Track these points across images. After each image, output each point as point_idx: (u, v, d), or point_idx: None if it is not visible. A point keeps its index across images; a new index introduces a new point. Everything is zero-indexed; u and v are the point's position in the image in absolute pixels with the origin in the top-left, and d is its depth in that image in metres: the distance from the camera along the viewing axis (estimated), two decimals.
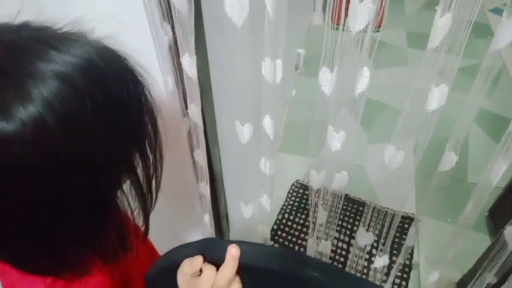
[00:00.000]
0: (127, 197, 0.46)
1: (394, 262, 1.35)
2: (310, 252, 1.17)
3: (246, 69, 0.71)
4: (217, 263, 0.52)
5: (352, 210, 1.93)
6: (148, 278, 0.59)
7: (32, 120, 0.33)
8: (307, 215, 1.92)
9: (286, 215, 1.92)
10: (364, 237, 1.04)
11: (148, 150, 0.47)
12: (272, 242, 1.81)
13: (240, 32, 0.63)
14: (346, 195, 1.96)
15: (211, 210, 1.13)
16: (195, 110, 0.86)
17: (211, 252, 0.54)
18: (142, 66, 0.44)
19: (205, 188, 1.04)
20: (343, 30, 0.63)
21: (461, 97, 0.70)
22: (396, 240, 1.78)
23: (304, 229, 1.86)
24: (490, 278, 1.06)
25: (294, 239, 1.82)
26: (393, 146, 0.74)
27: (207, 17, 0.81)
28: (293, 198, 2.01)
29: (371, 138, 2.30)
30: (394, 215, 1.02)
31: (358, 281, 0.59)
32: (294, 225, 1.88)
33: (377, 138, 2.29)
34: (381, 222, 1.04)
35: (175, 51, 0.84)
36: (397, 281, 1.64)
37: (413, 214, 1.87)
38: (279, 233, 1.85)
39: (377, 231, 1.06)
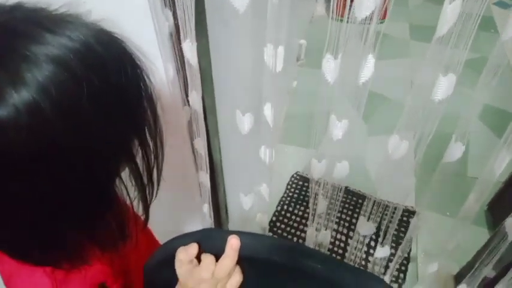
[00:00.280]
0: (126, 186, 0.45)
1: (394, 254, 1.35)
2: (310, 241, 1.17)
3: (247, 55, 0.70)
4: (217, 253, 0.52)
5: (351, 203, 1.92)
6: (147, 268, 0.59)
7: (26, 106, 0.32)
8: (306, 207, 1.91)
9: (285, 207, 1.92)
10: (365, 227, 1.04)
11: (148, 137, 0.45)
12: (271, 234, 1.81)
13: (242, 17, 0.62)
14: (345, 187, 1.96)
15: (210, 200, 1.12)
16: (195, 98, 0.85)
17: (211, 242, 0.53)
18: (141, 49, 0.42)
19: (205, 177, 1.03)
20: (347, 22, 0.61)
21: (464, 90, 0.69)
22: (395, 232, 1.78)
23: (303, 221, 1.86)
24: (488, 271, 1.06)
25: (293, 231, 1.82)
26: (397, 136, 0.73)
27: (209, 3, 0.79)
28: (292, 190, 2.00)
29: (371, 130, 2.29)
30: (396, 208, 1.02)
31: (358, 272, 0.59)
32: (293, 217, 1.88)
33: (377, 130, 2.28)
34: (381, 215, 1.04)
35: (176, 37, 0.82)
36: (395, 273, 1.64)
37: (412, 207, 1.87)
38: (278, 224, 1.85)
39: (377, 223, 1.06)
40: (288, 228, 1.83)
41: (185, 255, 0.50)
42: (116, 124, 0.39)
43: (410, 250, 1.72)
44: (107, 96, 0.37)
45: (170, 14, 0.78)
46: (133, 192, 0.47)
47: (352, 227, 1.82)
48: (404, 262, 1.68)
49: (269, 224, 1.84)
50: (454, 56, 0.62)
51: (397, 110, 2.39)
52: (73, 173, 0.37)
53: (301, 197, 1.97)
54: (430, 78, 0.66)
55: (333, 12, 0.61)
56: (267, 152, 0.88)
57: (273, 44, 0.67)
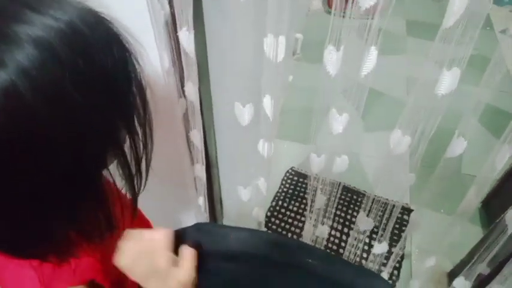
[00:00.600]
0: (113, 177, 0.43)
1: (389, 251, 1.35)
2: (307, 236, 1.16)
3: (248, 45, 0.68)
4: (212, 248, 0.51)
5: (346, 199, 1.92)
6: None
7: (3, 88, 0.30)
8: (301, 203, 1.90)
9: (280, 202, 1.91)
10: (364, 223, 1.03)
11: (137, 125, 0.43)
12: (265, 229, 1.80)
13: (244, 6, 0.60)
14: (343, 184, 1.95)
15: (206, 193, 1.11)
16: (191, 88, 0.83)
17: (205, 237, 0.52)
18: (129, 31, 0.40)
19: (201, 170, 1.02)
20: (350, 18, 0.60)
21: (459, 86, 0.68)
22: (392, 230, 1.78)
23: (298, 216, 1.85)
24: (483, 267, 1.06)
25: (288, 226, 1.81)
26: (399, 131, 0.72)
27: None
28: (287, 186, 1.99)
29: (367, 127, 2.29)
30: (394, 205, 1.01)
31: (358, 270, 0.59)
32: (288, 213, 1.87)
33: (373, 126, 2.27)
34: (377, 211, 1.03)
35: (172, 26, 0.80)
36: (389, 270, 1.64)
37: (407, 204, 1.87)
38: (273, 219, 1.83)
39: (375, 220, 1.05)
40: (283, 224, 1.82)
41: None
42: (103, 110, 0.37)
43: (404, 247, 1.72)
44: (93, 79, 0.35)
45: (166, 1, 0.76)
46: (120, 182, 0.45)
47: (347, 223, 1.81)
48: (399, 259, 1.68)
49: (264, 220, 1.83)
50: (459, 50, 0.61)
51: (393, 106, 2.39)
52: (56, 161, 0.35)
53: (296, 192, 1.96)
54: (434, 72, 0.65)
55: (335, 8, 0.59)
56: (266, 145, 0.86)
57: (274, 34, 0.65)
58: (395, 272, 1.64)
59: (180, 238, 0.52)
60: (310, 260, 0.53)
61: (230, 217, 1.38)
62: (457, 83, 0.63)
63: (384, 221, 1.06)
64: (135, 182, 0.46)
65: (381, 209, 1.03)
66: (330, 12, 0.58)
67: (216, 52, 0.89)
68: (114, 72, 0.38)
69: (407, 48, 2.99)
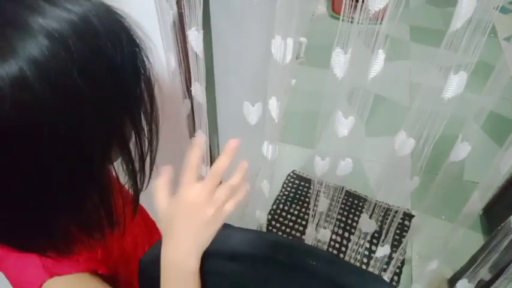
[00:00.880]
0: (117, 173, 0.43)
1: (391, 257, 1.34)
2: (309, 239, 1.16)
3: (254, 47, 0.68)
4: (216, 248, 0.50)
5: (347, 203, 1.91)
6: (143, 263, 0.57)
7: (12, 77, 0.30)
8: (302, 206, 1.90)
9: (281, 205, 1.91)
10: (366, 225, 1.03)
11: (143, 121, 0.43)
12: (265, 230, 1.80)
13: (252, 7, 0.60)
14: (345, 189, 1.95)
15: None
16: (198, 89, 0.83)
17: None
18: (142, 28, 0.40)
19: (205, 170, 1.01)
20: (358, 21, 0.60)
21: (464, 93, 0.69)
22: (393, 235, 1.77)
23: (299, 220, 1.85)
24: (485, 273, 1.06)
25: (288, 230, 1.81)
26: (404, 133, 0.72)
27: None
28: (288, 189, 1.99)
29: (369, 132, 2.28)
30: (396, 211, 1.01)
31: (362, 273, 0.58)
32: (289, 216, 1.86)
33: (375, 131, 2.27)
34: (378, 216, 1.03)
35: (179, 27, 0.80)
36: (389, 275, 1.64)
37: (408, 209, 1.87)
38: (273, 222, 1.83)
39: (377, 223, 1.05)
40: (283, 227, 1.81)
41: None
42: (110, 103, 0.37)
43: (405, 253, 1.72)
44: (101, 73, 0.35)
45: (174, 2, 0.76)
46: (124, 178, 0.45)
47: (348, 227, 1.81)
48: (399, 265, 1.67)
49: None
50: (466, 55, 0.61)
51: (395, 111, 2.39)
52: (61, 153, 0.35)
53: (297, 196, 1.96)
54: (441, 76, 0.65)
55: (344, 13, 0.59)
56: (270, 147, 0.86)
57: (282, 35, 0.65)
58: (396, 277, 1.64)
59: None
60: (313, 262, 0.53)
61: (231, 218, 1.37)
62: (463, 88, 0.63)
63: (386, 226, 1.06)
64: (139, 179, 0.46)
65: (382, 214, 1.02)
66: (334, 17, 0.59)
67: (221, 52, 0.89)
68: (123, 66, 0.38)
69: (410, 53, 2.99)
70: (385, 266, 1.44)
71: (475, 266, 1.02)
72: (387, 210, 1.01)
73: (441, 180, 0.87)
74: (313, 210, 1.06)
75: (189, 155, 0.50)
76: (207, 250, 0.50)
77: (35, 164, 0.34)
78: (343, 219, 1.84)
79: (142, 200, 0.54)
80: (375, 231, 1.11)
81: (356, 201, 1.92)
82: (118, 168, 0.44)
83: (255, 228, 1.21)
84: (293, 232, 1.80)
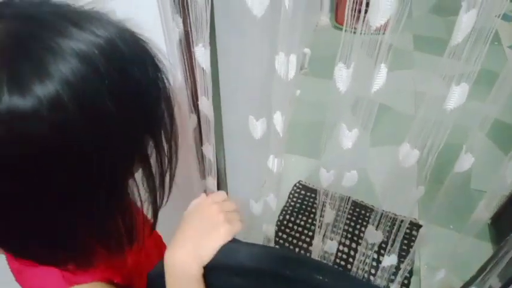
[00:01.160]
0: (138, 187, 0.44)
1: (397, 267, 1.33)
2: (316, 251, 1.16)
3: (258, 63, 0.69)
4: (223, 262, 0.51)
5: (354, 214, 1.91)
6: (151, 278, 0.58)
7: (49, 98, 0.31)
8: (309, 217, 1.90)
9: (287, 216, 1.90)
10: (373, 236, 1.02)
11: (163, 139, 0.45)
12: (273, 244, 1.79)
13: (256, 24, 0.62)
14: (351, 199, 1.94)
15: None
16: (206, 103, 0.84)
17: (218, 253, 0.52)
18: (162, 52, 0.42)
19: (212, 183, 1.02)
20: (360, 33, 0.62)
21: (467, 102, 0.69)
22: (400, 245, 1.76)
23: (306, 231, 1.84)
24: (494, 281, 1.05)
25: (295, 241, 1.80)
26: (408, 144, 0.73)
27: (219, 8, 0.79)
28: (294, 200, 1.99)
29: (374, 141, 2.28)
30: (402, 221, 1.01)
31: (367, 286, 0.58)
32: (295, 227, 1.86)
33: (380, 141, 2.27)
34: (384, 227, 1.03)
35: (185, 44, 0.82)
36: (398, 286, 1.62)
37: (415, 219, 1.86)
38: (280, 234, 1.83)
39: (384, 233, 1.05)
40: (290, 238, 1.81)
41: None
42: (134, 124, 0.39)
43: (413, 263, 1.70)
44: (128, 94, 0.37)
45: (180, 20, 0.78)
46: (144, 195, 0.46)
47: (355, 238, 1.80)
48: (407, 275, 1.66)
49: None
50: (467, 66, 0.62)
51: (400, 121, 2.39)
52: (88, 170, 0.36)
53: (304, 206, 1.96)
54: (443, 86, 0.66)
55: (346, 24, 0.60)
56: (276, 161, 0.87)
57: (285, 52, 0.66)
58: None
59: None
60: (320, 277, 0.53)
61: (239, 232, 1.37)
62: (466, 98, 0.64)
63: (392, 236, 1.06)
64: (158, 195, 0.47)
65: (389, 224, 1.02)
66: (337, 28, 0.60)
67: (227, 68, 0.91)
68: (147, 87, 0.39)
69: (414, 63, 3.00)
70: (392, 277, 1.43)
71: (484, 274, 1.01)
72: (393, 220, 1.01)
73: (447, 190, 0.87)
74: (319, 221, 1.06)
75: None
76: (214, 263, 0.51)
77: (61, 182, 0.35)
78: (350, 229, 1.84)
79: None
80: (382, 241, 1.11)
81: (363, 211, 1.91)
82: (138, 184, 0.45)
83: (262, 241, 1.21)
84: (300, 243, 1.79)
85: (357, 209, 1.92)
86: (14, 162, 0.32)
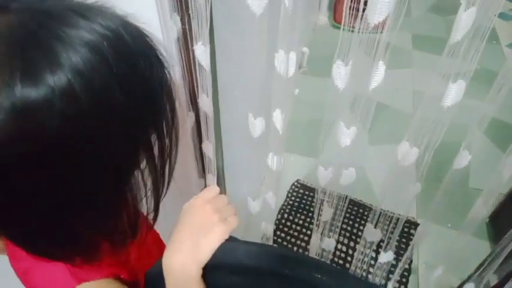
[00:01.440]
0: (143, 177, 0.44)
1: (395, 265, 1.34)
2: (313, 249, 1.16)
3: (259, 60, 0.69)
4: (221, 261, 0.51)
5: (352, 213, 1.91)
6: (149, 277, 0.58)
7: (61, 88, 0.31)
8: (307, 216, 1.90)
9: (285, 215, 1.91)
10: (371, 234, 1.03)
11: (165, 132, 0.45)
12: (271, 242, 1.79)
13: (255, 22, 0.62)
14: (349, 198, 1.95)
15: None
16: (206, 101, 0.84)
17: (217, 252, 0.52)
18: (163, 45, 0.42)
19: (212, 181, 1.03)
20: (358, 32, 0.62)
21: (466, 100, 0.70)
22: (397, 243, 1.77)
23: (304, 230, 1.85)
24: (492, 278, 1.06)
25: (293, 240, 1.81)
26: (407, 143, 0.73)
27: (218, 6, 0.79)
28: (293, 198, 1.99)
29: (372, 140, 2.29)
30: (398, 219, 1.02)
31: (366, 285, 0.58)
32: (294, 226, 1.86)
33: (378, 139, 2.28)
34: (382, 225, 1.04)
35: (183, 42, 0.82)
36: (396, 285, 1.63)
37: (413, 218, 1.86)
38: (278, 233, 1.83)
39: (382, 231, 1.05)
40: (289, 237, 1.81)
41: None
42: (141, 114, 0.39)
43: (411, 262, 1.71)
44: (134, 85, 0.37)
45: (178, 18, 0.78)
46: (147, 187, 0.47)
47: (354, 237, 1.80)
48: (405, 274, 1.66)
49: None
50: (464, 64, 0.62)
51: (398, 119, 2.40)
52: (97, 161, 0.36)
53: (302, 205, 1.96)
54: (439, 85, 0.66)
55: (344, 22, 0.60)
56: (275, 159, 0.87)
57: (285, 50, 0.66)
58: (402, 286, 1.63)
59: None
60: (319, 275, 0.53)
61: (238, 230, 1.37)
62: (462, 96, 0.64)
63: (389, 234, 1.07)
64: (160, 186, 0.48)
65: (387, 222, 1.03)
66: (336, 27, 0.60)
67: (225, 65, 0.91)
68: (152, 80, 0.40)
69: (413, 61, 3.01)
70: (390, 275, 1.43)
71: (481, 270, 1.02)
72: (390, 217, 1.01)
73: (445, 187, 0.87)
74: (317, 219, 1.06)
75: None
76: (212, 262, 0.51)
77: (71, 174, 0.35)
78: (348, 228, 1.84)
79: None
80: (381, 240, 1.11)
81: (360, 210, 1.92)
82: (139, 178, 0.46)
83: (260, 239, 1.21)
84: (298, 242, 1.80)
85: (355, 208, 1.93)
86: (26, 154, 0.32)
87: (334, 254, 1.72)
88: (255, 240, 1.17)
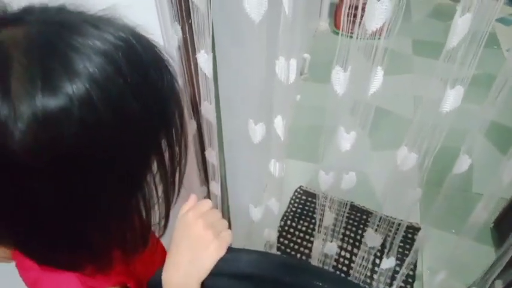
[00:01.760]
0: (155, 183, 0.45)
1: (398, 272, 1.33)
2: (316, 254, 1.16)
3: (259, 67, 0.70)
4: (223, 269, 0.51)
5: (356, 219, 1.90)
6: (151, 285, 0.58)
7: (79, 96, 0.31)
8: (310, 222, 1.89)
9: (288, 222, 1.90)
10: (372, 239, 1.03)
11: (174, 138, 0.46)
12: (276, 250, 1.79)
13: (257, 29, 0.63)
14: (350, 203, 1.94)
15: (221, 210, 1.11)
16: (209, 108, 0.85)
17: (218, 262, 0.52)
18: (171, 55, 0.43)
19: (216, 187, 1.03)
20: (357, 38, 0.62)
21: (467, 105, 0.70)
22: (400, 250, 1.76)
23: (307, 236, 1.84)
24: (498, 283, 1.05)
25: (297, 246, 1.80)
26: (406, 147, 0.73)
27: (217, 14, 0.80)
28: (296, 205, 1.98)
29: (374, 145, 2.29)
30: (399, 224, 1.02)
31: None
32: (297, 232, 1.86)
33: (381, 145, 2.28)
34: (385, 231, 1.03)
35: (184, 51, 0.83)
36: None
37: (417, 224, 1.85)
38: (281, 240, 1.82)
39: (383, 236, 1.05)
40: (292, 244, 1.81)
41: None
42: (153, 124, 0.40)
43: (416, 268, 1.70)
44: (147, 94, 0.38)
45: (179, 28, 0.79)
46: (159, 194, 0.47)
47: (357, 243, 1.80)
48: (410, 280, 1.65)
49: None
50: (462, 70, 0.63)
51: (399, 125, 2.40)
52: (113, 169, 0.37)
53: (305, 212, 1.95)
54: (438, 90, 0.67)
55: (342, 28, 0.61)
56: (277, 165, 0.87)
57: (285, 57, 0.67)
58: None
59: None
60: (320, 283, 0.53)
61: (241, 237, 1.37)
62: (461, 101, 0.65)
63: (391, 239, 1.06)
64: (170, 193, 0.48)
65: (388, 227, 1.03)
66: (336, 33, 0.61)
67: (226, 73, 0.92)
68: (162, 89, 0.40)
69: (414, 67, 3.01)
70: (393, 282, 1.42)
71: (484, 274, 1.02)
72: (392, 223, 1.01)
73: (447, 193, 0.87)
74: (319, 224, 1.06)
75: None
76: (213, 271, 0.51)
77: (85, 181, 0.36)
78: (349, 233, 1.83)
79: None
80: (383, 245, 1.11)
81: (364, 216, 1.91)
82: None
83: (264, 246, 1.21)
84: (301, 249, 1.79)
85: (358, 214, 1.92)
86: (43, 163, 0.32)
87: (337, 261, 1.71)
88: (258, 248, 1.17)
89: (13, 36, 0.32)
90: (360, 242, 1.80)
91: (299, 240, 1.82)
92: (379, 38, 0.62)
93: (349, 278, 1.54)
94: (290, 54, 0.68)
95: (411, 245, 1.78)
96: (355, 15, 0.62)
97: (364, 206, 1.95)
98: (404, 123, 2.41)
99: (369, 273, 1.62)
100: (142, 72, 0.37)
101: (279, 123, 0.79)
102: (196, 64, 0.81)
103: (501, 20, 3.54)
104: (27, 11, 0.35)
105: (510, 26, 3.47)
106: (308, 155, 2.19)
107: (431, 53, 3.06)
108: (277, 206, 1.00)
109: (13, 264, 0.51)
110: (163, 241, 0.75)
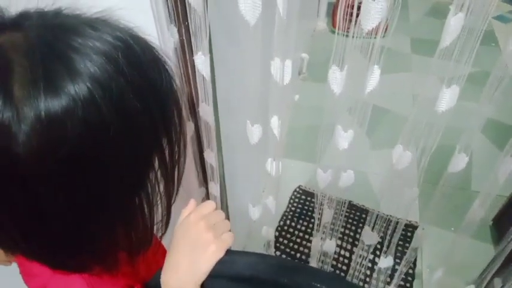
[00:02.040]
0: (157, 181, 0.45)
1: (396, 270, 1.33)
2: (315, 252, 1.16)
3: (255, 68, 0.70)
4: (221, 272, 0.51)
5: (354, 217, 1.91)
6: (150, 287, 0.58)
7: (82, 97, 0.32)
8: (310, 222, 1.90)
9: (288, 221, 1.90)
10: (369, 237, 1.03)
11: (173, 137, 0.46)
12: (274, 249, 1.79)
13: (253, 30, 0.63)
14: (349, 201, 1.95)
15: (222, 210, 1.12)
16: (207, 109, 0.85)
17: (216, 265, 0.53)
18: (168, 56, 0.43)
19: (215, 188, 1.03)
20: (353, 37, 0.63)
21: (465, 103, 0.70)
22: (400, 248, 1.76)
23: (307, 236, 1.84)
24: (497, 281, 1.05)
25: (296, 246, 1.80)
26: (401, 146, 0.74)
27: (214, 16, 0.80)
28: (295, 205, 1.99)
29: (373, 144, 2.29)
30: (398, 222, 1.02)
31: None
32: (296, 232, 1.86)
33: (379, 144, 2.28)
34: (383, 229, 1.04)
35: (181, 53, 0.83)
36: None
37: (416, 222, 1.85)
38: (281, 239, 1.83)
39: (380, 234, 1.05)
40: (291, 244, 1.81)
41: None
42: (154, 122, 0.40)
43: (415, 266, 1.70)
44: (147, 93, 0.38)
45: (175, 30, 0.79)
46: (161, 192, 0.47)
47: (356, 242, 1.80)
48: (409, 279, 1.66)
49: None
50: (458, 68, 0.63)
51: (398, 123, 2.40)
52: (117, 168, 0.37)
53: (304, 211, 1.95)
54: (434, 89, 0.67)
55: (338, 27, 0.61)
56: (274, 164, 0.88)
57: (280, 58, 0.67)
58: None
59: None
60: (318, 284, 0.53)
61: (239, 236, 1.37)
62: (457, 100, 0.65)
63: (388, 237, 1.07)
64: (171, 190, 0.48)
65: (385, 225, 1.03)
66: (334, 32, 0.61)
67: (223, 75, 0.92)
68: (161, 88, 0.40)
69: (412, 65, 3.02)
70: (390, 279, 1.43)
71: (482, 271, 1.02)
72: (389, 222, 1.02)
73: (443, 191, 0.87)
74: (317, 223, 1.07)
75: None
76: (211, 273, 0.51)
77: (90, 181, 0.36)
78: (348, 232, 1.84)
79: None
80: (380, 243, 1.11)
81: (364, 215, 1.91)
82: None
83: (263, 245, 1.21)
84: (301, 248, 1.79)
85: (357, 213, 1.92)
86: (48, 164, 0.32)
87: (336, 260, 1.72)
88: (257, 247, 1.17)
89: (12, 40, 0.32)
90: (358, 240, 1.80)
91: (298, 240, 1.82)
92: (375, 37, 0.62)
93: (347, 277, 1.55)
94: (285, 55, 0.69)
95: (408, 242, 1.79)
96: (351, 14, 0.62)
97: (363, 205, 1.96)
98: (403, 121, 2.39)
99: (368, 272, 1.62)
100: (142, 71, 0.37)
101: (275, 123, 0.79)
102: (193, 66, 0.82)
103: (499, 18, 3.54)
104: (24, 16, 0.35)
105: (508, 24, 3.47)
106: (307, 155, 2.20)
107: (430, 51, 3.04)
108: (274, 204, 1.01)
109: (13, 264, 0.51)
110: (163, 243, 0.75)
